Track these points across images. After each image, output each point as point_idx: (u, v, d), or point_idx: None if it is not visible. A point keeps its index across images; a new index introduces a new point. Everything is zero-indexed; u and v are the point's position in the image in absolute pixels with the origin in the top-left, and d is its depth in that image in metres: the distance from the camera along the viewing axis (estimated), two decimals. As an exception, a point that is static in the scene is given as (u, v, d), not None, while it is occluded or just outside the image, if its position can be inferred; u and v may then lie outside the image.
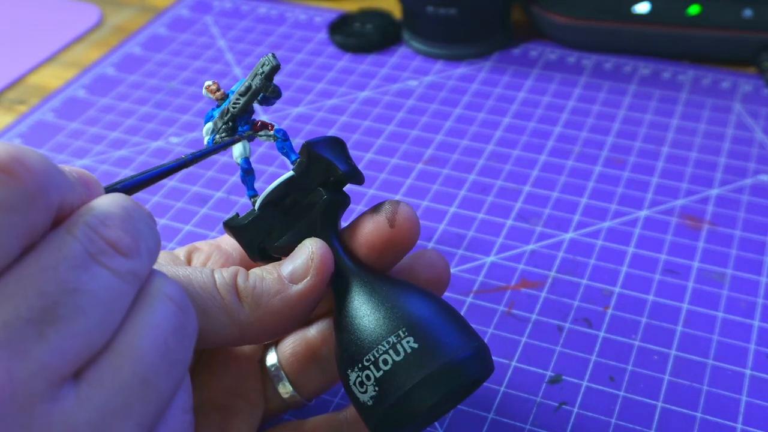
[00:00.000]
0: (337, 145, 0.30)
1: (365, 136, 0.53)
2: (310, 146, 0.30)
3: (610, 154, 0.50)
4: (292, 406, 0.33)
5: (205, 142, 0.30)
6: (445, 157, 0.51)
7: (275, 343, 0.33)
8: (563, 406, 0.36)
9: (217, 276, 0.28)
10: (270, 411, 0.32)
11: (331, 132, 0.53)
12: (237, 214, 0.30)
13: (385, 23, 0.62)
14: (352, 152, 0.51)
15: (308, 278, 0.28)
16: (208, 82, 0.30)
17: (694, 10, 0.56)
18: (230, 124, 0.30)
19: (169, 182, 0.50)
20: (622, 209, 0.46)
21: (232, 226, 0.30)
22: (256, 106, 0.30)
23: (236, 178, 0.50)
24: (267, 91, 0.29)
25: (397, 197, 0.48)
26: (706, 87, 0.55)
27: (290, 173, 0.30)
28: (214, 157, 0.52)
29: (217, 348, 0.32)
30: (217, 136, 0.30)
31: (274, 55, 0.29)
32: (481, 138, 0.52)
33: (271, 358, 0.32)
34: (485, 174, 0.49)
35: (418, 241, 0.45)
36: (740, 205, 0.46)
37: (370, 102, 0.56)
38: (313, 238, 0.29)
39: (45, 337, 0.20)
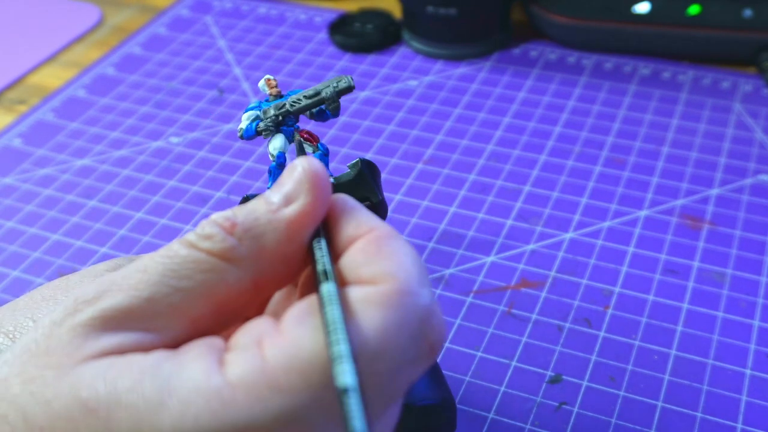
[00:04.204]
0: (378, 173, 0.31)
1: (365, 136, 0.53)
2: (363, 164, 0.30)
3: (610, 154, 0.50)
4: None
5: (243, 127, 0.30)
6: (445, 157, 0.51)
7: None
8: (563, 406, 0.36)
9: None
10: None
11: (331, 132, 0.53)
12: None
13: (385, 23, 0.62)
14: (353, 152, 0.51)
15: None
16: (269, 76, 0.31)
17: (694, 10, 0.56)
18: (280, 118, 0.30)
19: (169, 182, 0.50)
20: (622, 209, 0.46)
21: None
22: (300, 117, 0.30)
23: (237, 177, 0.50)
24: (330, 104, 0.29)
25: (397, 197, 0.48)
26: (706, 87, 0.55)
27: (331, 179, 0.30)
28: (215, 156, 0.52)
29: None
30: (262, 123, 0.30)
31: (352, 78, 0.29)
32: (481, 138, 0.52)
33: None
34: (485, 174, 0.49)
35: (418, 241, 0.45)
36: (740, 205, 0.46)
37: (370, 102, 0.56)
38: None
39: None
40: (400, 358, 0.20)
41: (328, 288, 0.20)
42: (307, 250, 0.23)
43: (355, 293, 0.21)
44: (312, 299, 0.21)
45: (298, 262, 0.23)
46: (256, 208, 0.23)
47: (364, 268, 0.21)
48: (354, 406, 0.18)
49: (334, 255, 0.22)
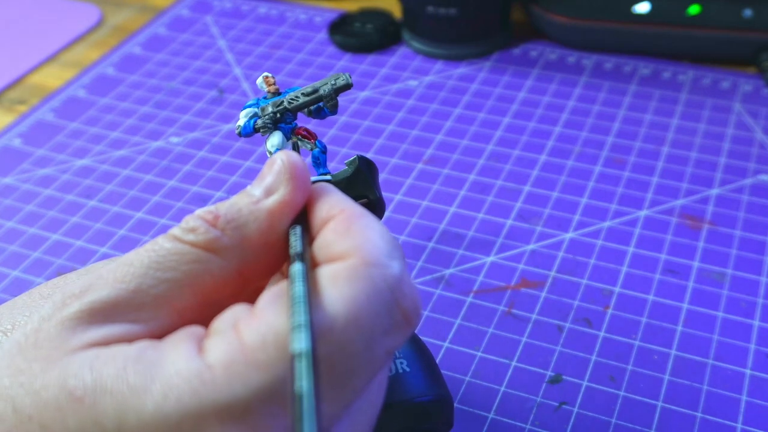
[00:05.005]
0: (376, 171, 0.31)
1: (365, 136, 0.53)
2: (360, 161, 0.30)
3: (610, 154, 0.50)
4: None
5: (241, 124, 0.30)
6: (445, 157, 0.51)
7: None
8: (563, 406, 0.36)
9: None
10: None
11: (332, 131, 0.53)
12: None
13: (385, 23, 0.62)
14: (353, 152, 0.51)
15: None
16: (267, 74, 0.31)
17: (694, 10, 0.56)
18: (278, 115, 0.30)
19: (170, 182, 0.50)
20: (622, 209, 0.46)
21: None
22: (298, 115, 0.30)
23: (237, 177, 0.50)
24: (329, 102, 0.29)
25: (397, 197, 0.48)
26: (706, 87, 0.55)
27: (328, 176, 0.30)
28: (215, 156, 0.52)
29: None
30: (260, 120, 0.30)
31: (350, 75, 0.29)
32: (481, 138, 0.52)
33: None
34: (485, 174, 0.49)
35: (418, 241, 0.45)
36: (740, 205, 0.46)
37: (370, 102, 0.56)
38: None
39: None
40: (373, 326, 0.21)
41: (294, 267, 0.21)
42: (286, 239, 0.24)
43: (325, 270, 0.22)
44: (284, 283, 0.22)
45: (281, 251, 0.24)
46: (238, 201, 0.24)
47: (334, 246, 0.22)
48: (303, 368, 0.18)
49: (311, 239, 0.23)
